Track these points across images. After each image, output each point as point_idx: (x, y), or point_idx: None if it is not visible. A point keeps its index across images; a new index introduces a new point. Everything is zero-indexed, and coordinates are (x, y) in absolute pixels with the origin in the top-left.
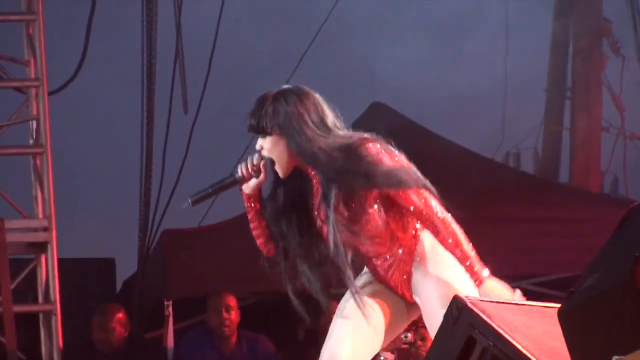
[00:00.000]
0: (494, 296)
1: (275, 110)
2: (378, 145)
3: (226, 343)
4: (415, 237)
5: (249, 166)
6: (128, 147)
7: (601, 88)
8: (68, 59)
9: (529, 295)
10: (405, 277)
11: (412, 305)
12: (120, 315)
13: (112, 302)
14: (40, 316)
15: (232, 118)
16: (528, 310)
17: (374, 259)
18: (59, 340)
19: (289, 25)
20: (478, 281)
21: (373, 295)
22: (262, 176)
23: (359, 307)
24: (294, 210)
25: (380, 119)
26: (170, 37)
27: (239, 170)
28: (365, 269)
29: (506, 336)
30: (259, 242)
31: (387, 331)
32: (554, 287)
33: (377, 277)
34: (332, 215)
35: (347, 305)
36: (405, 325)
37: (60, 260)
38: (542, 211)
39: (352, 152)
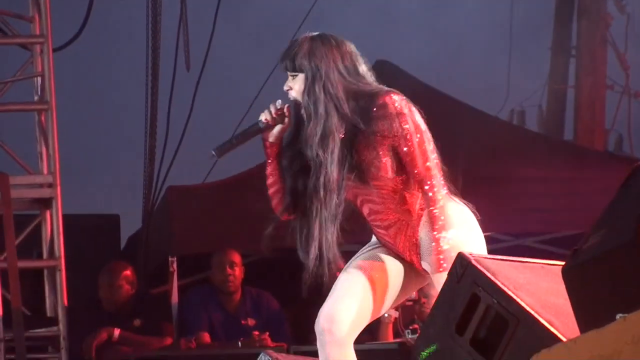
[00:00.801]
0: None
1: (311, 50)
2: (404, 102)
3: (230, 299)
4: (423, 204)
5: (273, 111)
6: (133, 104)
7: (606, 46)
8: (73, 16)
9: (533, 252)
10: (414, 242)
11: (420, 272)
12: (127, 272)
13: (116, 258)
14: (45, 272)
15: (236, 74)
16: (532, 268)
17: (378, 225)
18: (63, 296)
19: None
20: (438, 269)
21: (381, 258)
22: (286, 121)
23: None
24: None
25: (385, 77)
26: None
27: (263, 117)
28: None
29: (510, 293)
30: (274, 201)
31: (392, 296)
32: (558, 244)
33: (385, 245)
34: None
35: (353, 264)
36: (412, 292)
37: (64, 217)
38: (546, 169)
39: (377, 100)
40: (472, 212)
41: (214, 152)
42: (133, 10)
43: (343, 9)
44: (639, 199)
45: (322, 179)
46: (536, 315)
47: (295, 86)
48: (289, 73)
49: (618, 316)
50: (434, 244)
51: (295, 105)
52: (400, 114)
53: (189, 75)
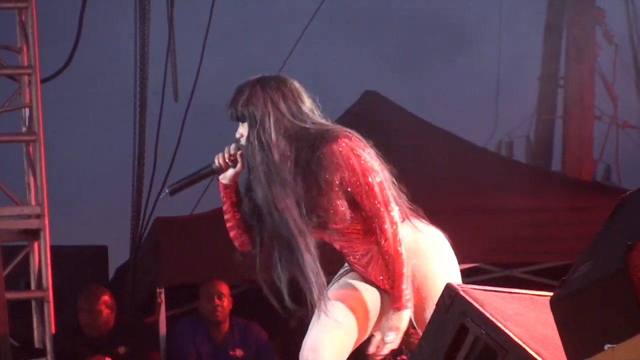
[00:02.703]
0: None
1: (249, 96)
2: (348, 147)
3: (218, 330)
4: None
5: (226, 156)
6: (121, 135)
7: (594, 77)
8: (61, 47)
9: (521, 283)
10: (384, 272)
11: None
12: (106, 297)
13: (97, 283)
14: (33, 303)
15: (225, 104)
16: (520, 299)
17: (350, 257)
18: (51, 327)
19: (282, 15)
20: (402, 305)
21: (356, 285)
22: (239, 166)
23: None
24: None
25: (372, 108)
26: (163, 25)
27: (216, 160)
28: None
29: (498, 324)
30: (232, 234)
31: (372, 321)
32: (547, 275)
33: (358, 272)
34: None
35: (331, 293)
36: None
37: (52, 248)
38: (534, 200)
39: (321, 148)
40: (443, 237)
41: (167, 191)
42: (121, 40)
43: (332, 40)
44: (627, 230)
45: (285, 231)
46: (524, 346)
47: (244, 133)
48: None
49: (606, 347)
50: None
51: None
52: (346, 164)
53: (177, 105)
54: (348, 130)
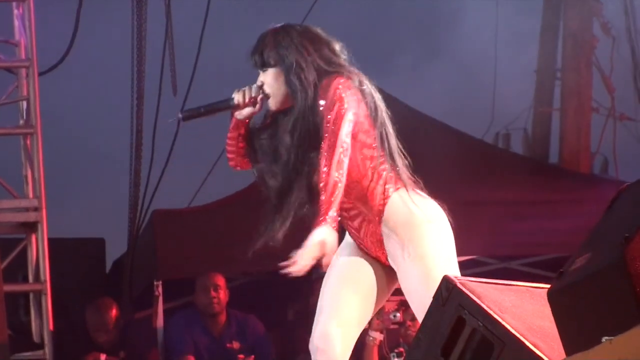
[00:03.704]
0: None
1: (277, 42)
2: (346, 85)
3: (215, 323)
4: (384, 202)
5: (247, 96)
6: (118, 128)
7: (591, 69)
8: (58, 40)
9: (518, 275)
10: (377, 238)
11: (391, 271)
12: (114, 312)
13: (102, 292)
14: (31, 296)
15: (222, 97)
16: (517, 291)
17: (348, 219)
18: (49, 320)
19: (279, 7)
20: (323, 220)
21: (355, 266)
22: (257, 107)
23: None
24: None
25: None
26: (160, 18)
27: (236, 97)
28: (345, 239)
29: (495, 316)
30: (229, 157)
31: (375, 300)
32: (544, 267)
33: (353, 237)
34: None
35: (331, 278)
36: (391, 289)
37: (50, 240)
38: (531, 192)
39: (327, 81)
40: (441, 212)
41: (180, 115)
42: (118, 33)
43: (330, 30)
44: (625, 222)
45: (289, 164)
46: (522, 338)
47: (267, 80)
48: (259, 69)
49: (604, 339)
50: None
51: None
52: (339, 99)
53: (174, 98)
54: (356, 72)
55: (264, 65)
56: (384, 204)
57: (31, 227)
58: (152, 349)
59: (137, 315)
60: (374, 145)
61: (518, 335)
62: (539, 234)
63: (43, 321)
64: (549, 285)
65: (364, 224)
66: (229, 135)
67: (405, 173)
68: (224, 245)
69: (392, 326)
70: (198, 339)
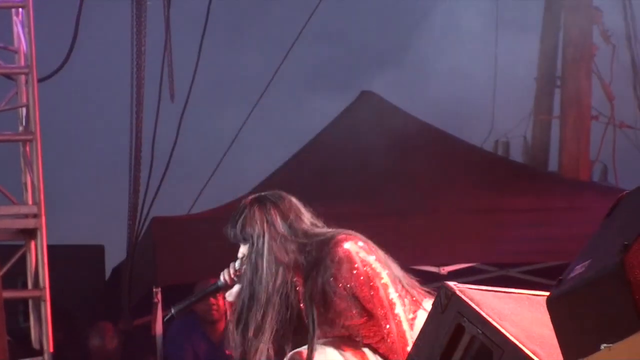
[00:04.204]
0: None
1: (248, 220)
2: (353, 249)
3: (215, 329)
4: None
5: (231, 272)
6: (117, 135)
7: (591, 77)
8: (58, 47)
9: (517, 283)
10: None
11: None
12: (115, 337)
13: (101, 289)
14: (30, 302)
15: (220, 105)
16: (517, 298)
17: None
18: (48, 326)
19: (279, 13)
20: None
21: None
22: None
23: None
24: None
25: (369, 108)
26: (160, 25)
27: (222, 277)
28: None
29: (495, 324)
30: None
31: None
32: (543, 275)
33: None
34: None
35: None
36: None
37: (49, 247)
38: (531, 200)
39: (325, 258)
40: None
41: (173, 312)
42: (117, 40)
43: (328, 39)
44: (624, 230)
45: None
46: (521, 346)
47: (245, 252)
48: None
49: (603, 346)
50: None
51: None
52: (350, 271)
53: (173, 105)
54: (350, 232)
55: (238, 241)
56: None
57: (30, 233)
58: (151, 357)
59: (136, 322)
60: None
61: (517, 343)
62: (538, 241)
63: (42, 327)
64: (548, 293)
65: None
66: (229, 318)
67: (416, 289)
68: (223, 252)
69: None
70: (197, 345)
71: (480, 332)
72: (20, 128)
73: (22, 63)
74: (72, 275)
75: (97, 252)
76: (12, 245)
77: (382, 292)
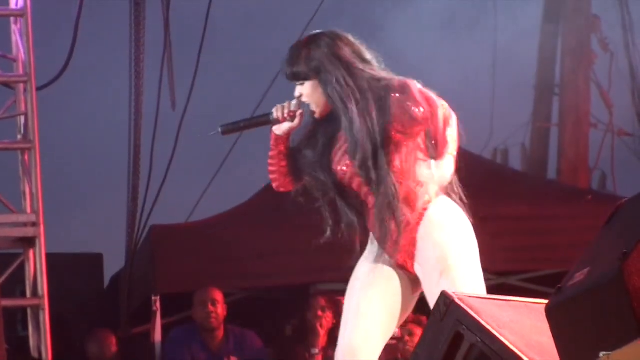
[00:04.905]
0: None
1: (309, 55)
2: (419, 87)
3: (213, 338)
4: (426, 205)
5: (286, 111)
6: (116, 143)
7: (589, 84)
8: (56, 55)
9: (516, 291)
10: (409, 243)
11: (415, 279)
12: (113, 343)
13: (99, 297)
14: (29, 311)
15: (221, 113)
16: (516, 306)
17: (382, 225)
18: (47, 335)
19: (277, 21)
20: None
21: (379, 276)
22: (296, 121)
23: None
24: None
25: None
26: (159, 34)
27: (275, 112)
28: (367, 249)
29: (494, 332)
30: (272, 177)
31: (400, 307)
32: (542, 283)
33: (380, 244)
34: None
35: (355, 290)
36: (414, 301)
37: (48, 255)
38: (530, 208)
39: (395, 89)
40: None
41: (220, 129)
42: (116, 48)
43: None
44: (623, 237)
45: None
46: (520, 354)
47: (305, 92)
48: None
49: (602, 354)
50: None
51: (311, 110)
52: (422, 98)
53: (172, 113)
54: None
55: (298, 79)
56: (426, 208)
57: (29, 242)
58: None
59: (135, 330)
60: (427, 151)
61: (516, 351)
62: (537, 249)
63: (41, 336)
64: (547, 301)
65: (402, 227)
66: (270, 154)
67: (443, 183)
68: (221, 261)
69: (390, 341)
70: (196, 354)
71: (479, 340)
72: (19, 136)
73: (21, 71)
74: (71, 284)
75: (95, 261)
76: (10, 254)
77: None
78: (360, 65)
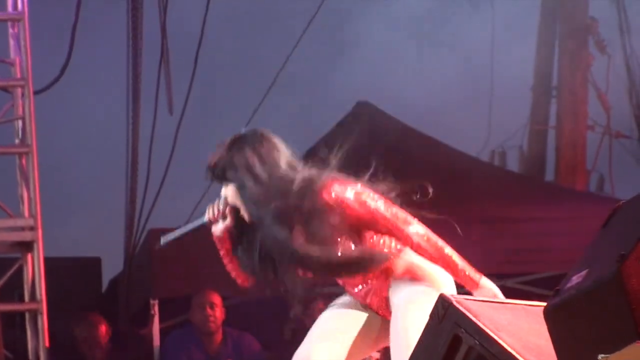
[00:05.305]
0: (492, 293)
1: (229, 161)
2: (339, 190)
3: (211, 341)
4: (391, 261)
5: (215, 212)
6: (114, 147)
7: (587, 86)
8: (54, 59)
9: (514, 293)
10: (384, 301)
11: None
12: (103, 328)
13: (98, 301)
14: (27, 315)
15: (217, 117)
16: (513, 309)
17: (349, 288)
18: (45, 339)
19: (273, 26)
20: (476, 285)
21: (355, 306)
22: (228, 220)
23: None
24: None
25: (365, 119)
26: (156, 38)
27: (206, 216)
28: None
29: (492, 335)
30: (233, 274)
31: (365, 344)
32: (540, 285)
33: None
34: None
35: (330, 309)
36: (385, 342)
37: (46, 260)
38: (527, 210)
39: (316, 199)
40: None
41: (161, 243)
42: (114, 52)
43: (326, 49)
44: (621, 239)
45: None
46: (518, 357)
47: (228, 193)
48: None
49: (600, 356)
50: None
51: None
52: (342, 208)
53: (170, 117)
54: (330, 173)
55: (219, 181)
56: (392, 269)
57: (27, 246)
58: None
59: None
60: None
61: (514, 354)
62: (535, 251)
63: (39, 340)
64: (545, 303)
65: (371, 291)
66: (221, 254)
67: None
68: (220, 264)
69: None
70: (194, 357)
71: (477, 342)
72: (17, 140)
73: (18, 75)
74: (69, 288)
75: (94, 265)
76: (8, 258)
77: (381, 208)
78: (274, 171)
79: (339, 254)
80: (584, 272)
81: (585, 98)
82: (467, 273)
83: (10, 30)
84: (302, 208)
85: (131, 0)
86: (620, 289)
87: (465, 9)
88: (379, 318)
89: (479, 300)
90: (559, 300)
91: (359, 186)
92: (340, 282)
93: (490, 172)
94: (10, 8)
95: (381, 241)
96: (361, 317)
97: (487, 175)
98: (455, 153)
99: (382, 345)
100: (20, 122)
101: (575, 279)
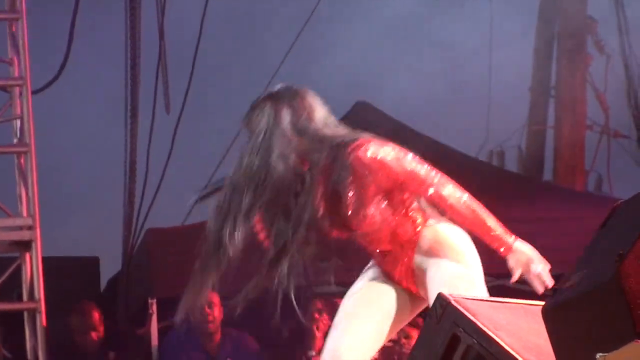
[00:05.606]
0: (526, 257)
1: (261, 117)
2: (371, 146)
3: (210, 340)
4: (417, 233)
5: None
6: (112, 146)
7: (585, 86)
8: (52, 58)
9: (513, 292)
10: (409, 271)
11: (416, 298)
12: (96, 316)
13: (97, 300)
14: (25, 314)
15: (215, 117)
16: (512, 308)
17: (377, 254)
18: (43, 338)
19: (272, 27)
20: (509, 249)
21: (378, 288)
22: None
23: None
24: (289, 206)
25: (364, 119)
26: (154, 38)
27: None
28: (369, 265)
29: (490, 334)
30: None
31: (392, 325)
32: None
33: (383, 270)
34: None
35: (352, 298)
36: (410, 318)
37: (44, 259)
38: (526, 210)
39: (343, 158)
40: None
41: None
42: (112, 51)
43: (325, 48)
44: (619, 239)
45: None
46: (517, 356)
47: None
48: None
49: (598, 355)
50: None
51: None
52: (377, 167)
53: (168, 116)
54: (362, 134)
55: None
56: (417, 234)
57: (25, 245)
58: None
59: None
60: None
61: (513, 353)
62: None
63: (37, 340)
64: (543, 303)
65: (397, 260)
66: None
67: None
68: None
69: (387, 344)
70: (193, 356)
71: (476, 342)
72: (15, 140)
73: (17, 75)
74: (68, 287)
75: (92, 264)
76: (6, 258)
77: (416, 167)
78: (309, 129)
79: (369, 214)
80: (582, 272)
81: (583, 98)
82: (500, 236)
83: (9, 30)
84: (333, 165)
85: (129, 0)
86: (618, 288)
87: (464, 8)
88: (402, 290)
89: (477, 300)
90: (558, 300)
91: (396, 147)
92: (368, 249)
93: (489, 172)
94: (7, 6)
95: (414, 204)
96: (385, 296)
97: (486, 175)
98: (453, 153)
99: (410, 318)
100: (18, 122)
101: (574, 279)
